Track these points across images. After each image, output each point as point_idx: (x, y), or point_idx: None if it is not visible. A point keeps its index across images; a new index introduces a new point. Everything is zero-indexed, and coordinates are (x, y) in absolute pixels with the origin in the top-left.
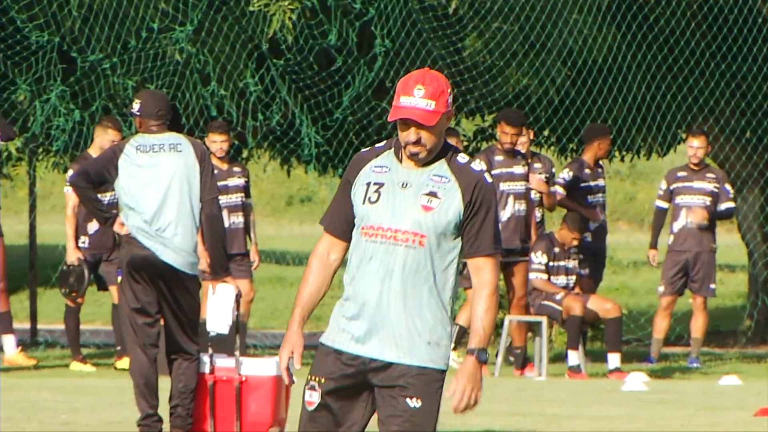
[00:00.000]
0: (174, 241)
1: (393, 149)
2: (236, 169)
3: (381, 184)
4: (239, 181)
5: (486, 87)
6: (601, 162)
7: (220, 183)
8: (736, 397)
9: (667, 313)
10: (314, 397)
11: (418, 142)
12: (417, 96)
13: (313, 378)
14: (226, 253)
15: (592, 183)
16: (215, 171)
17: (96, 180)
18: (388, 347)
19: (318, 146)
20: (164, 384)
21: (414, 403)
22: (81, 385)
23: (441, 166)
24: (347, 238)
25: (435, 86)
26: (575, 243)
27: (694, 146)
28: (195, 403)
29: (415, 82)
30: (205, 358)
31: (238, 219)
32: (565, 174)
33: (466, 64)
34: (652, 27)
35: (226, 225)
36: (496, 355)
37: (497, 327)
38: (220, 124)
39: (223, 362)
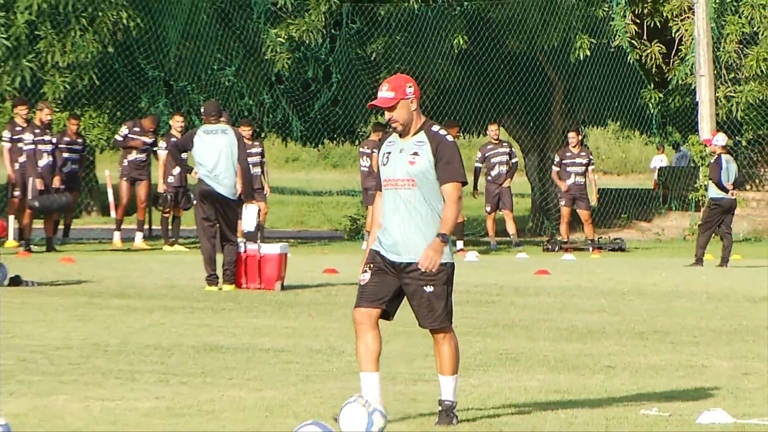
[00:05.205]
0: (224, 181)
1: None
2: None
3: (389, 152)
4: (255, 151)
5: None
6: None
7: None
8: (525, 265)
9: (494, 222)
10: (366, 276)
11: (392, 119)
12: (383, 90)
13: (366, 266)
14: (252, 187)
15: None
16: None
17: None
18: (405, 253)
19: None
20: (219, 258)
21: (429, 288)
22: (174, 259)
23: (421, 135)
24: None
25: (395, 82)
26: None
27: (492, 130)
28: (236, 268)
29: (383, 84)
30: (241, 245)
31: (257, 170)
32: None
33: None
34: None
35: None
36: None
37: None
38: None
39: (251, 246)
